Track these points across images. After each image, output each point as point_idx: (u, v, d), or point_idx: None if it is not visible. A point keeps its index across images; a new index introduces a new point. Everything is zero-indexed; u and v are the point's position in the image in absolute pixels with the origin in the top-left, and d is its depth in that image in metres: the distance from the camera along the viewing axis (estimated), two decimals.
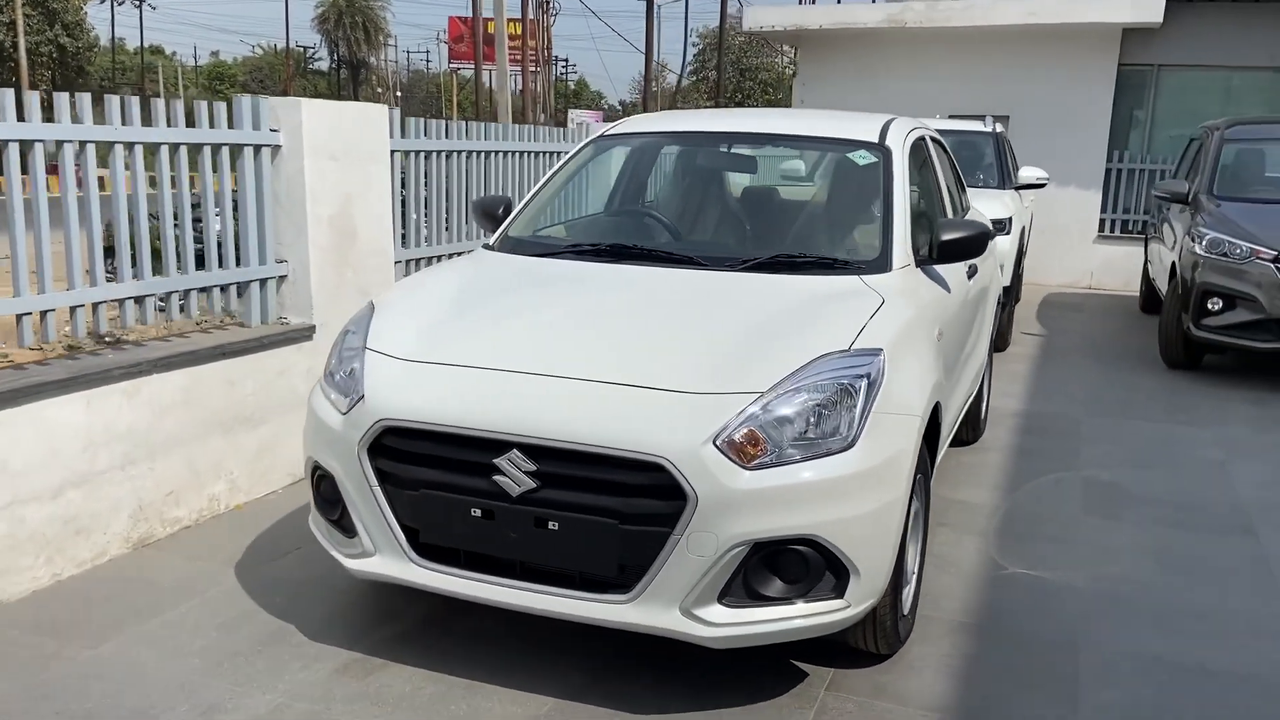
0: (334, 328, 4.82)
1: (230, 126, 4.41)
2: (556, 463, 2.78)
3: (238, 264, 4.53)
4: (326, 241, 4.82)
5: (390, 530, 3.01)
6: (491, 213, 4.32)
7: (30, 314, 3.68)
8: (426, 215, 5.76)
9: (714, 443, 2.69)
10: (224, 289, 4.49)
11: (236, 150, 4.46)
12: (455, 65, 64.53)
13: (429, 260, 5.85)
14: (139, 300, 4.07)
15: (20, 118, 3.57)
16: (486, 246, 4.11)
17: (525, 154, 6.77)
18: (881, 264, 3.59)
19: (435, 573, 2.99)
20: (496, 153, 6.37)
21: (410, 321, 3.32)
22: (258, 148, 4.54)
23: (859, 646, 3.17)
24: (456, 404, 2.91)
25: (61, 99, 3.68)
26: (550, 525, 2.79)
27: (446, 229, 5.98)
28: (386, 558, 3.06)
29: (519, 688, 3.04)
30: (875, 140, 4.08)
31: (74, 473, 3.70)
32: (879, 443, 2.82)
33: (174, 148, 4.17)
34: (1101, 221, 12.38)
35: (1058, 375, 7.59)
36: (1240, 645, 3.44)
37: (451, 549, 2.98)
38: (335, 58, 73.15)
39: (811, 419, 2.78)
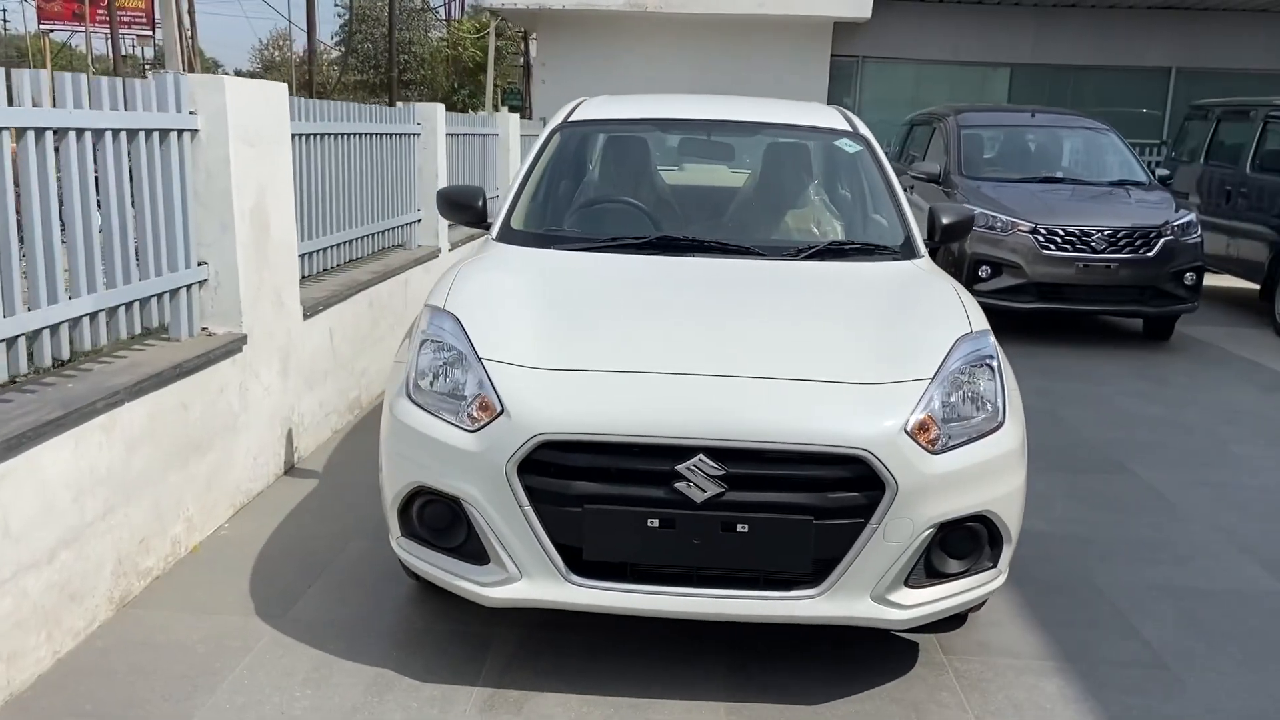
0: (258, 337, 4.35)
1: (160, 109, 3.80)
2: (747, 464, 2.74)
3: (168, 269, 3.92)
4: (249, 238, 4.29)
5: (544, 551, 2.82)
6: (467, 204, 4.08)
7: None
8: (312, 205, 5.26)
9: (905, 430, 2.79)
10: (158, 299, 3.87)
11: (163, 136, 3.84)
12: (48, 26, 57.11)
13: (322, 252, 5.36)
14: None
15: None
16: (496, 239, 3.88)
17: (414, 136, 6.38)
18: (911, 248, 3.82)
19: (599, 591, 2.84)
20: (385, 135, 5.95)
21: (513, 327, 3.09)
22: (179, 133, 3.94)
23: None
24: (631, 411, 2.78)
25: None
26: (739, 528, 2.75)
27: (331, 218, 5.51)
28: (537, 581, 2.86)
29: (682, 697, 2.98)
30: (849, 129, 4.30)
31: (67, 529, 3.08)
32: (1015, 417, 3.05)
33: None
34: None
35: None
36: (1202, 567, 4.06)
37: (615, 564, 2.85)
38: None
39: (970, 400, 2.95)
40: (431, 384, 3.03)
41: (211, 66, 78.15)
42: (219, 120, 4.05)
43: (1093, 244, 8.03)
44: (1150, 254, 8.04)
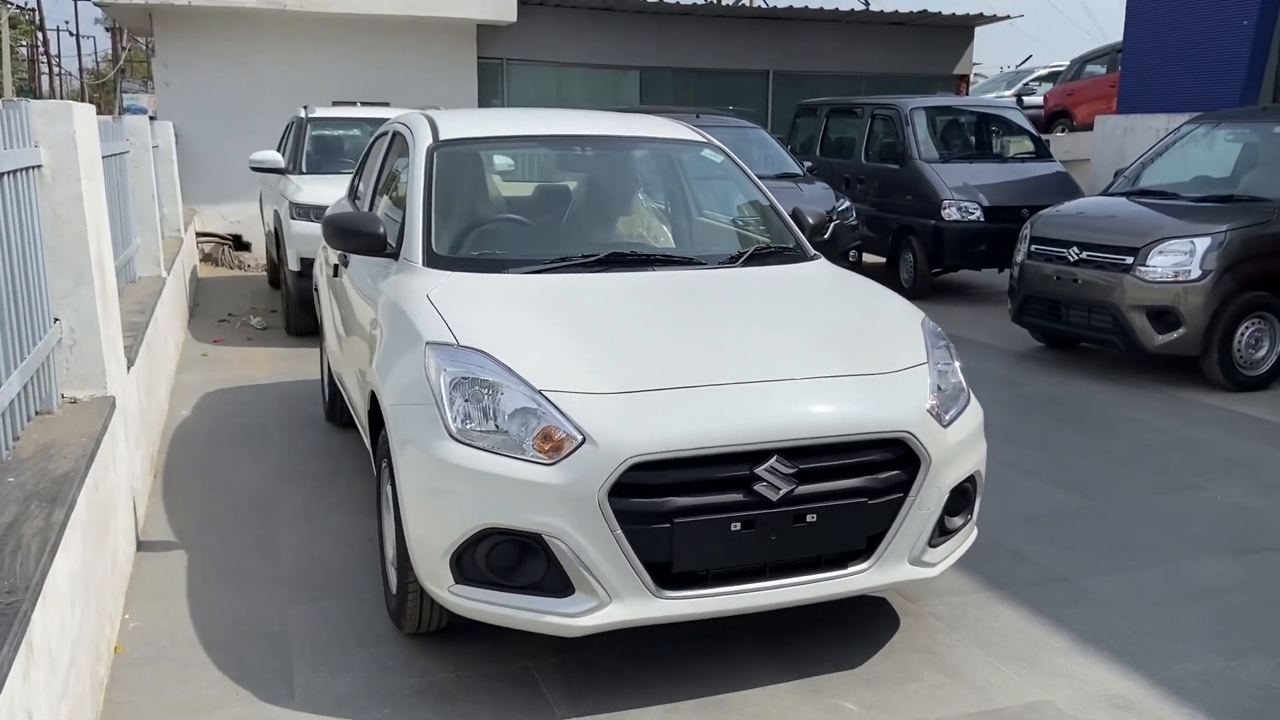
0: (118, 397, 3.85)
1: (15, 144, 3.21)
2: (813, 459, 3.00)
3: (42, 331, 3.32)
4: (101, 287, 3.73)
5: (634, 572, 2.89)
6: (364, 231, 3.89)
7: None
8: None
9: (927, 410, 3.19)
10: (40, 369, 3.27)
11: (22, 176, 3.24)
12: None
13: None
14: None
15: None
16: (426, 266, 3.71)
17: (125, 155, 5.65)
18: (803, 249, 4.23)
19: (685, 600, 2.97)
20: (111, 155, 5.24)
21: (548, 356, 3.09)
22: (31, 171, 3.35)
23: None
24: (713, 424, 2.93)
25: None
26: (808, 519, 3.01)
27: None
28: (628, 602, 2.92)
29: (743, 687, 3.15)
30: (704, 140, 4.62)
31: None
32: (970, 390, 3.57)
33: None
34: None
35: None
36: (1019, 498, 4.88)
37: (695, 572, 2.97)
38: None
39: (950, 378, 3.42)
40: (476, 423, 2.94)
41: None
42: (67, 153, 3.50)
43: None
44: (825, 237, 9.14)
